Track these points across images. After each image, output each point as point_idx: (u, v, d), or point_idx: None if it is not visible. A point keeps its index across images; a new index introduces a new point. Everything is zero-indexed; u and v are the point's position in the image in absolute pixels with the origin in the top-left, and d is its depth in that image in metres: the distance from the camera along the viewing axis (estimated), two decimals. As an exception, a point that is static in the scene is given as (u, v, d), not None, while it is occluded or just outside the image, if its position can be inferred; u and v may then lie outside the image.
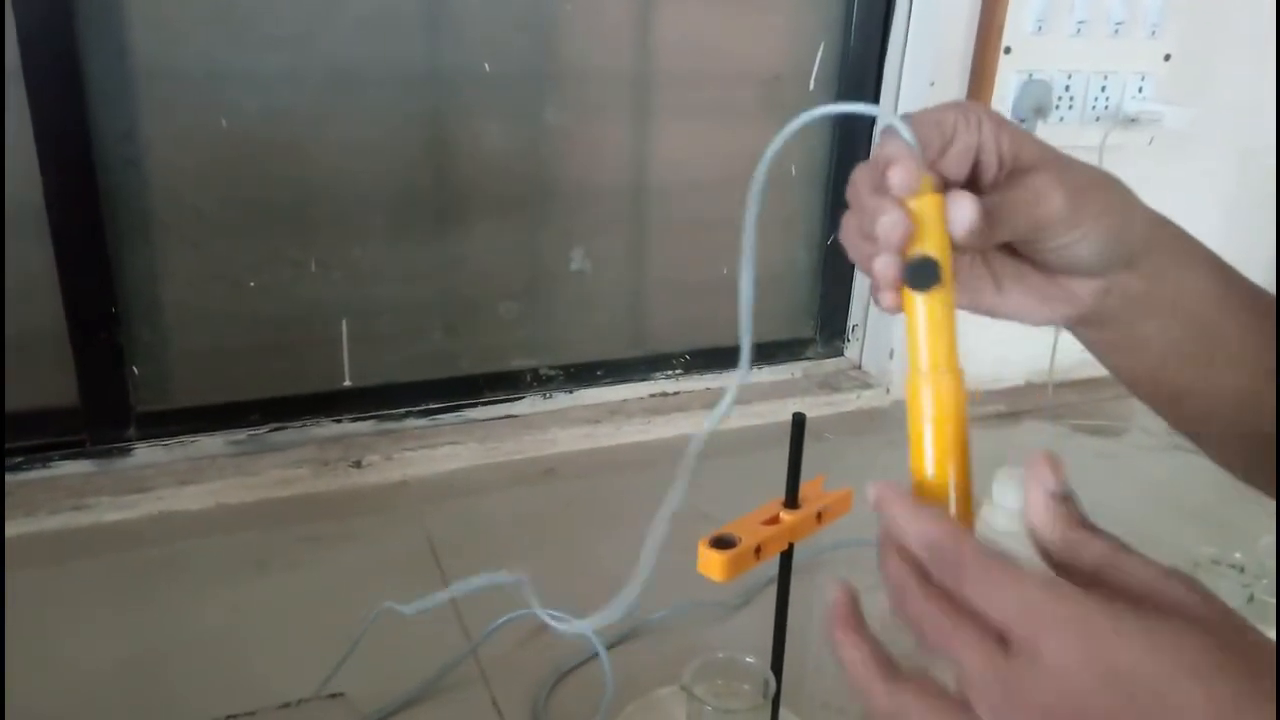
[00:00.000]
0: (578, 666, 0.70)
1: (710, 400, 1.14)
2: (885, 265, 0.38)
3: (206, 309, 0.94)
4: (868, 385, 1.20)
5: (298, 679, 0.66)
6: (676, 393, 1.15)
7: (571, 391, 1.10)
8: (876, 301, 0.39)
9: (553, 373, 1.10)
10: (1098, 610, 0.29)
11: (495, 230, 1.03)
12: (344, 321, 0.99)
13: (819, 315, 1.21)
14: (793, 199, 1.16)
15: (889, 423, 1.17)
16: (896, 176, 0.37)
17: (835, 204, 1.17)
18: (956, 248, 0.38)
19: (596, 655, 0.69)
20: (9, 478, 0.88)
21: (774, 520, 0.54)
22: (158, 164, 0.88)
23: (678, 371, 1.16)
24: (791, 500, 0.54)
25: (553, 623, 0.57)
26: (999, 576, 0.31)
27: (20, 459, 0.88)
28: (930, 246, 0.37)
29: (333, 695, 0.56)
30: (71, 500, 0.87)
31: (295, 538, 0.86)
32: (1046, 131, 1.12)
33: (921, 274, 0.37)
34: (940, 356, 0.38)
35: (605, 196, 1.07)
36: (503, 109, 0.99)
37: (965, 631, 0.31)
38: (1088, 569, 0.33)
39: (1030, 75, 1.10)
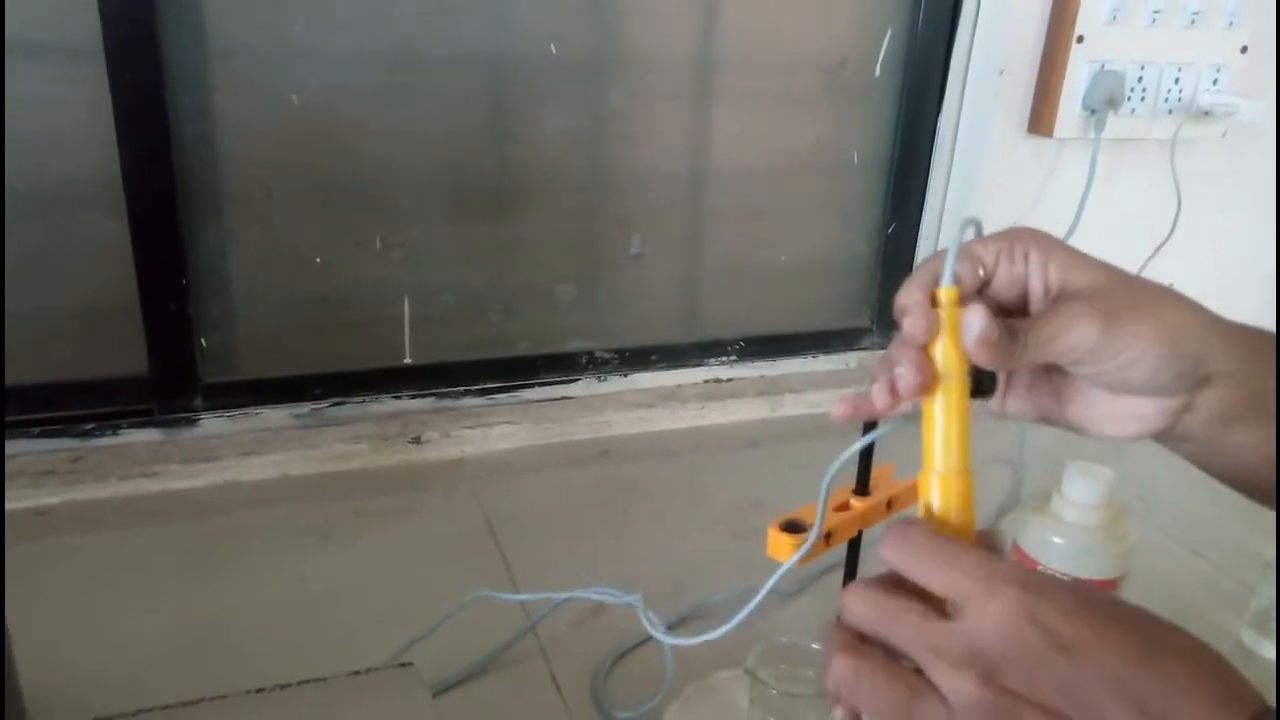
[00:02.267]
0: (636, 647, 0.71)
1: (764, 388, 1.14)
2: (914, 378, 0.40)
3: (273, 284, 0.95)
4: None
5: (361, 649, 0.68)
6: (730, 380, 1.15)
7: (626, 375, 1.10)
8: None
9: (608, 356, 1.10)
10: (1031, 574, 0.34)
11: (555, 213, 1.03)
12: (405, 300, 1.00)
13: (876, 304, 1.20)
14: (853, 187, 1.15)
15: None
16: (907, 326, 0.40)
17: (897, 192, 1.16)
18: (980, 364, 0.40)
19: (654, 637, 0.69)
20: (79, 444, 0.90)
21: (844, 507, 0.54)
22: (229, 141, 0.90)
23: (731, 358, 1.16)
24: (862, 487, 0.54)
25: (662, 637, 0.57)
26: (943, 553, 0.36)
27: (91, 426, 0.91)
28: (945, 354, 0.40)
29: (402, 665, 0.57)
30: (140, 468, 0.89)
31: (355, 511, 0.88)
32: (1117, 124, 1.10)
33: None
34: (951, 459, 0.40)
35: (664, 182, 1.07)
36: (566, 92, 0.99)
37: (910, 611, 0.35)
38: None
39: (1103, 65, 1.08)
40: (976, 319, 0.38)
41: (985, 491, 0.95)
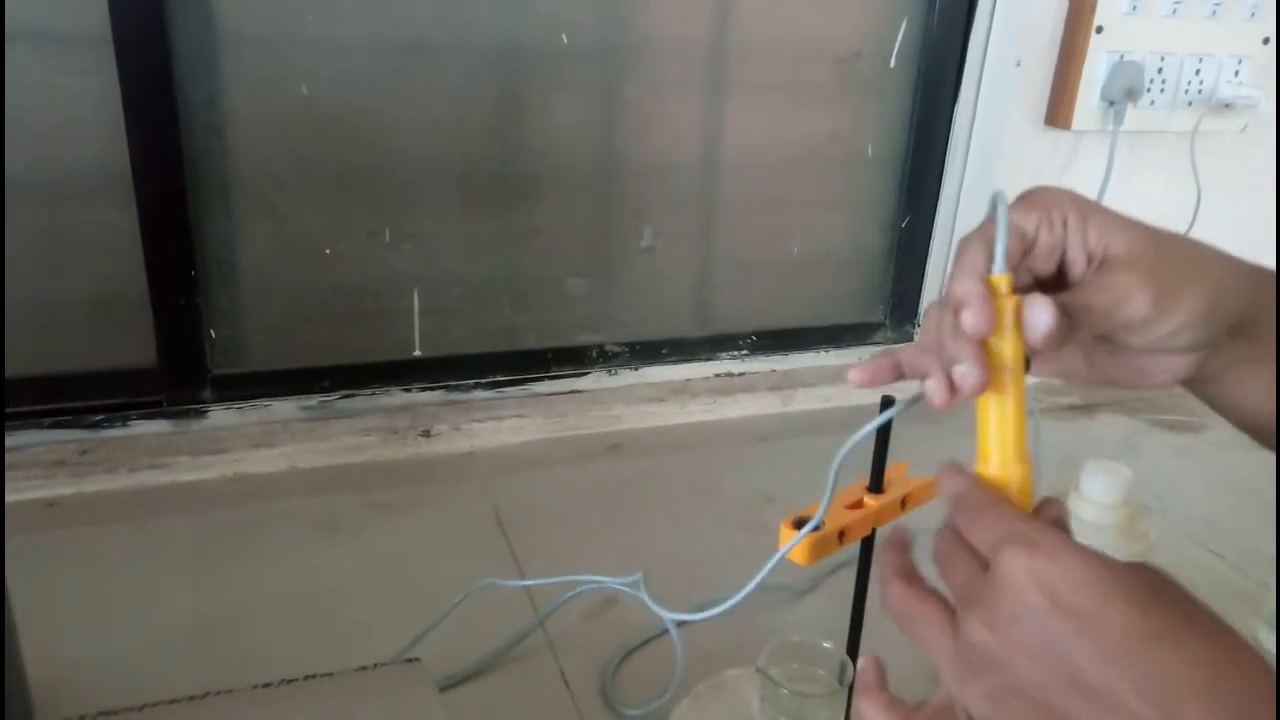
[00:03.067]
0: (646, 643, 0.70)
1: (776, 383, 1.13)
2: (979, 375, 0.38)
3: (282, 275, 0.95)
4: (937, 372, 1.17)
5: (368, 642, 0.67)
6: (742, 374, 1.14)
7: (637, 369, 1.10)
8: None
9: (618, 349, 1.09)
10: (1049, 538, 0.34)
11: (565, 205, 1.03)
12: (415, 292, 0.99)
13: (889, 299, 1.19)
14: (868, 179, 1.14)
15: (957, 410, 1.15)
16: (969, 320, 0.37)
17: (912, 185, 1.14)
18: (1033, 351, 0.39)
19: (665, 632, 0.69)
20: (89, 435, 0.90)
21: (858, 504, 0.53)
22: (239, 131, 0.89)
23: (743, 352, 1.15)
24: (877, 485, 0.53)
25: (662, 613, 0.57)
26: (981, 508, 0.37)
27: (100, 417, 0.90)
28: (1005, 348, 0.38)
29: (409, 660, 0.57)
30: (149, 459, 0.89)
31: (365, 503, 0.87)
32: (1136, 116, 1.09)
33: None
34: (1009, 453, 0.39)
35: (677, 173, 1.06)
36: (578, 82, 0.99)
37: (958, 557, 0.37)
38: None
39: (1122, 56, 1.06)
40: (1045, 315, 0.37)
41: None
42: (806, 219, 1.13)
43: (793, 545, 0.48)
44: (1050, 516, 0.39)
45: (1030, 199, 0.41)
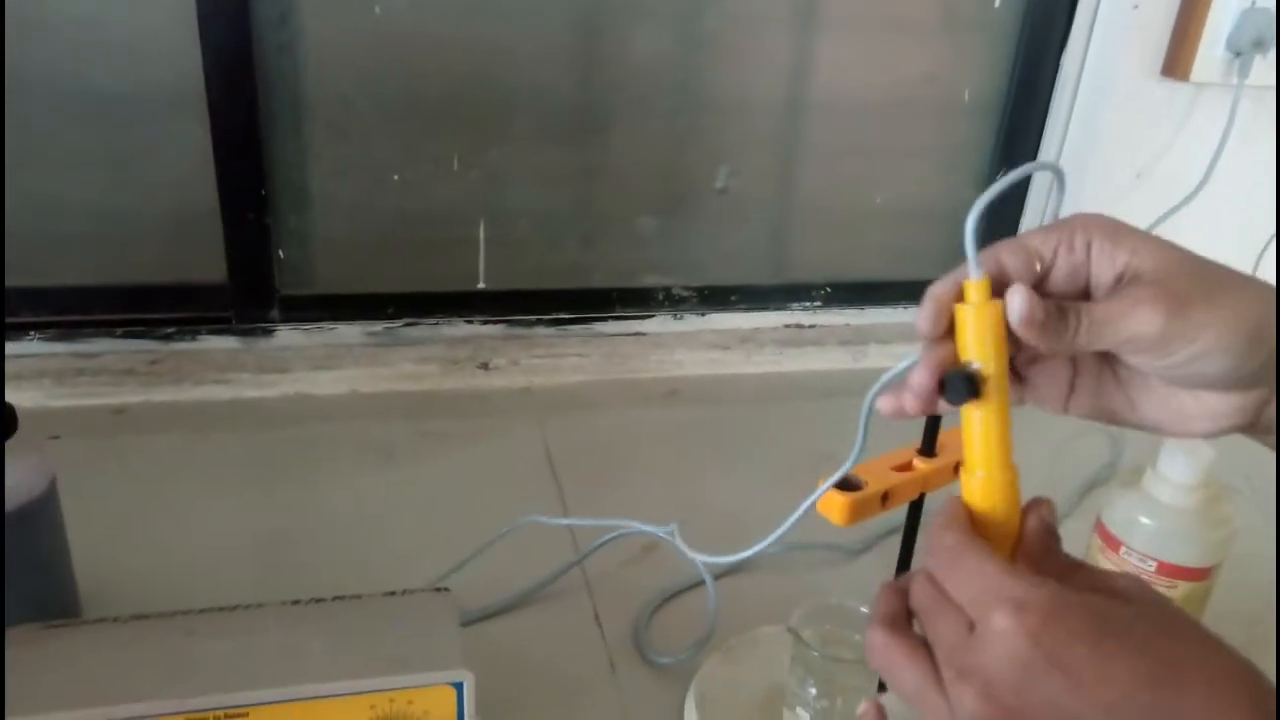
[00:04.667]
0: (682, 592, 0.69)
1: (848, 338, 1.09)
2: (918, 377, 0.38)
3: (350, 199, 0.95)
4: (1021, 336, 1.11)
5: (408, 568, 0.68)
6: (813, 326, 1.10)
7: (703, 314, 1.07)
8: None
9: (685, 293, 1.06)
10: (1038, 588, 0.33)
11: (639, 141, 1.00)
12: (482, 223, 0.98)
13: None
14: (962, 126, 1.07)
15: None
16: (917, 321, 0.38)
17: (1009, 136, 1.07)
18: (1024, 349, 0.38)
19: (702, 583, 0.67)
20: (159, 346, 0.92)
21: (906, 467, 0.50)
22: (311, 50, 0.88)
23: (816, 304, 1.11)
24: (928, 448, 0.50)
25: (693, 555, 0.55)
26: (960, 561, 0.36)
27: (171, 330, 0.93)
28: (982, 357, 0.37)
29: (437, 589, 0.56)
30: (215, 374, 0.91)
31: (420, 432, 0.88)
32: (1264, 69, 0.99)
33: (955, 386, 0.37)
34: (993, 462, 0.38)
35: (758, 111, 1.02)
36: (661, 11, 0.95)
37: (941, 615, 0.36)
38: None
39: (1253, 2, 0.96)
40: (1018, 297, 0.36)
41: (1077, 462, 0.89)
42: (893, 166, 1.07)
43: (818, 495, 0.45)
44: (1039, 518, 0.38)
45: (1056, 223, 0.39)
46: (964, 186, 1.10)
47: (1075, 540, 0.56)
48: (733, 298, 1.08)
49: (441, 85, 0.92)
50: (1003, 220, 1.10)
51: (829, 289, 1.11)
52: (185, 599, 0.54)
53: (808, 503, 0.46)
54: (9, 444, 0.54)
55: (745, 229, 1.07)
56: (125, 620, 0.52)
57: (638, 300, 1.05)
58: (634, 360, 1.01)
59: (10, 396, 0.55)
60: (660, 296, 1.06)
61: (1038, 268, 0.38)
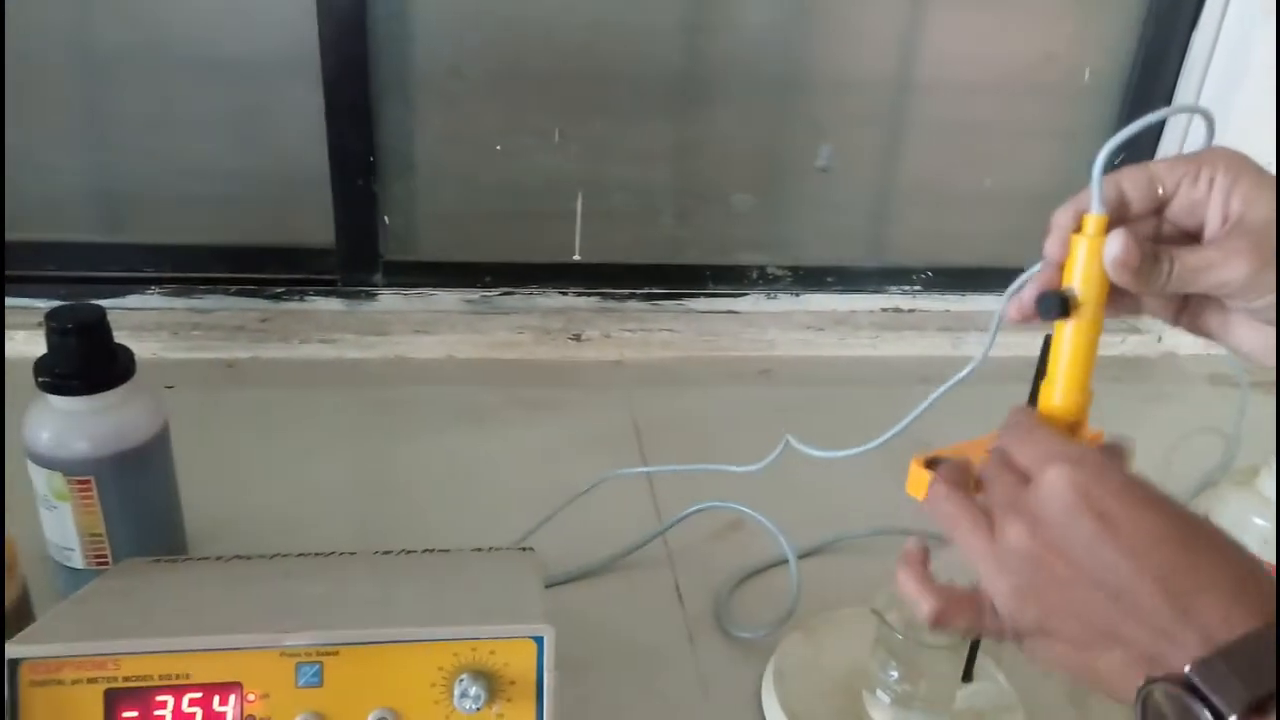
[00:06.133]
0: (765, 569, 0.68)
1: (948, 323, 1.06)
2: (1027, 290, 0.43)
3: (454, 168, 0.97)
4: (1135, 330, 1.06)
5: (494, 528, 0.69)
6: (911, 310, 1.08)
7: (798, 295, 1.05)
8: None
9: (781, 273, 1.05)
10: (1091, 452, 0.37)
11: (740, 116, 0.98)
12: (580, 195, 0.99)
13: (1088, 245, 1.08)
14: (1080, 108, 1.03)
15: (1156, 373, 1.04)
16: (1046, 245, 0.42)
17: (1131, 118, 1.01)
18: (1121, 285, 0.40)
19: (785, 562, 0.66)
20: (269, 305, 0.96)
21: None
22: (422, 18, 0.90)
23: (916, 288, 1.08)
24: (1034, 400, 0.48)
25: (783, 541, 0.55)
26: (1029, 432, 0.39)
27: (281, 290, 0.96)
28: (1081, 283, 0.40)
29: (522, 548, 0.57)
30: (321, 334, 0.94)
31: (511, 399, 0.89)
32: None
33: (1046, 303, 0.41)
34: (1071, 382, 0.42)
35: (864, 88, 0.99)
36: (766, -16, 0.93)
37: (1003, 474, 0.39)
38: None
39: None
40: (1116, 242, 0.39)
41: (1190, 460, 0.85)
42: (1004, 148, 1.04)
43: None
44: (1114, 440, 0.41)
45: (1188, 155, 0.42)
46: (1080, 170, 1.05)
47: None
48: (829, 279, 1.06)
49: (546, 57, 0.93)
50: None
51: (929, 273, 1.08)
52: (284, 544, 0.57)
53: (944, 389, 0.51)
54: (127, 386, 0.57)
55: (845, 209, 1.05)
56: (228, 559, 0.55)
57: (731, 278, 1.04)
58: (725, 338, 1.00)
59: (131, 346, 0.58)
60: (754, 275, 1.05)
61: (1160, 191, 0.41)
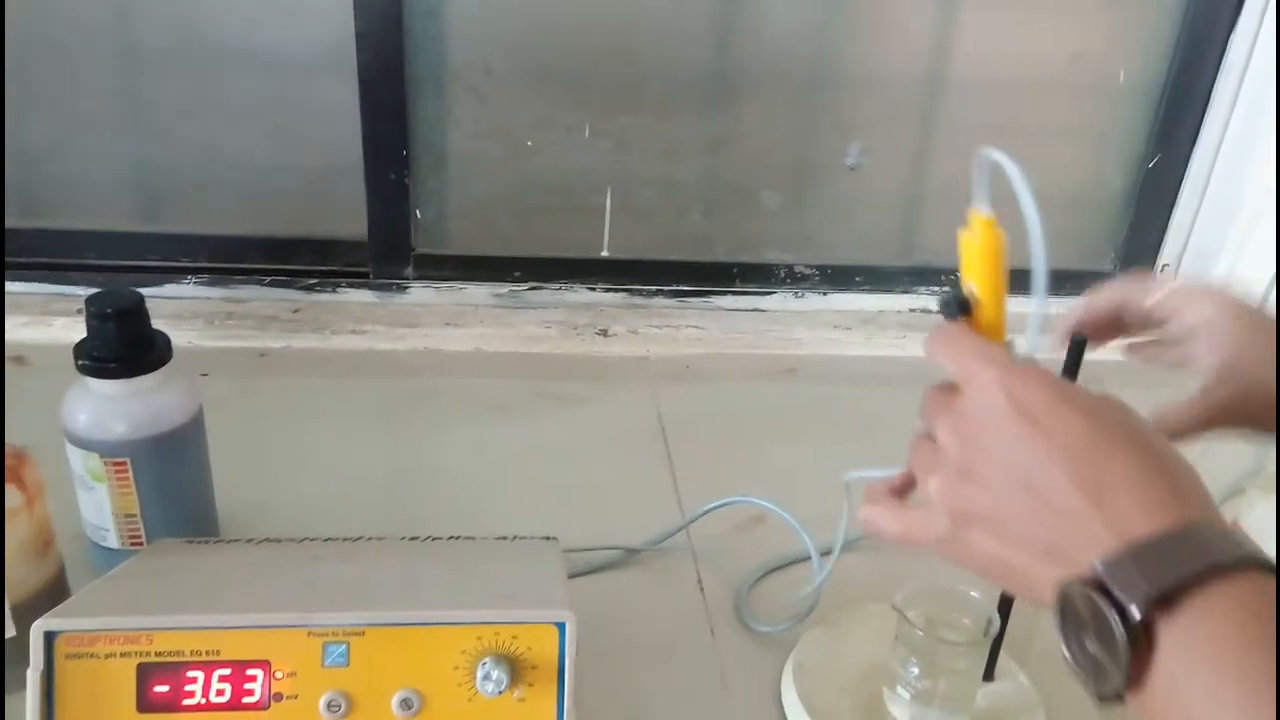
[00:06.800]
0: (788, 564, 0.68)
1: (976, 324, 1.05)
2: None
3: (485, 163, 0.98)
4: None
5: (518, 518, 0.69)
6: (940, 311, 1.07)
7: (825, 294, 1.05)
8: None
9: (808, 271, 1.05)
10: (1019, 361, 0.39)
11: (770, 114, 0.99)
12: (609, 191, 0.99)
13: (1123, 248, 1.07)
14: (1114, 109, 1.02)
15: (1187, 379, 1.03)
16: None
17: (1167, 120, 1.01)
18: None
19: (807, 558, 0.67)
20: (302, 296, 0.97)
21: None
22: (456, 15, 0.91)
23: (945, 289, 1.07)
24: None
25: (806, 538, 0.55)
26: (960, 340, 0.42)
27: (314, 281, 0.98)
28: (975, 280, 0.44)
29: (546, 537, 0.58)
30: (352, 325, 0.95)
31: (538, 392, 0.90)
32: None
33: (947, 303, 0.44)
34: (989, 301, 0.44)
35: (895, 87, 0.99)
36: (798, -18, 0.93)
37: (938, 391, 0.41)
38: None
39: None
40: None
41: (1223, 467, 0.84)
42: (1036, 149, 1.03)
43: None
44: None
45: (1195, 298, 0.51)
46: (1114, 173, 1.05)
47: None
48: (857, 278, 1.06)
49: (578, 54, 0.94)
50: (1157, 206, 1.04)
51: (958, 274, 1.07)
52: (313, 528, 0.58)
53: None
54: (164, 370, 0.58)
55: (874, 208, 1.05)
56: (258, 542, 0.56)
57: (759, 276, 1.04)
58: (751, 336, 1.00)
59: (167, 333, 0.60)
60: (782, 273, 1.05)
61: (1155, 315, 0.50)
